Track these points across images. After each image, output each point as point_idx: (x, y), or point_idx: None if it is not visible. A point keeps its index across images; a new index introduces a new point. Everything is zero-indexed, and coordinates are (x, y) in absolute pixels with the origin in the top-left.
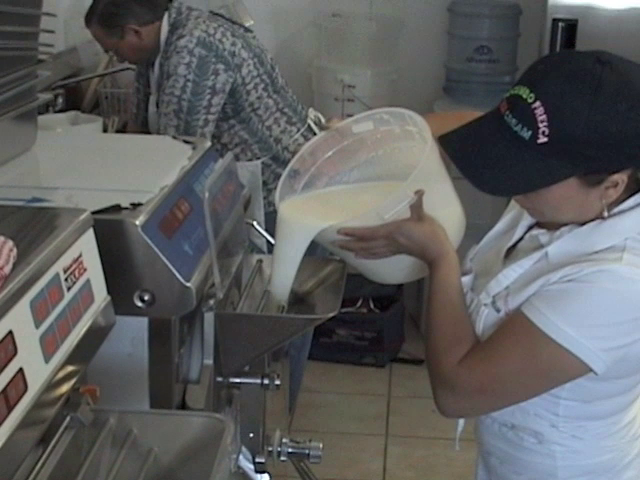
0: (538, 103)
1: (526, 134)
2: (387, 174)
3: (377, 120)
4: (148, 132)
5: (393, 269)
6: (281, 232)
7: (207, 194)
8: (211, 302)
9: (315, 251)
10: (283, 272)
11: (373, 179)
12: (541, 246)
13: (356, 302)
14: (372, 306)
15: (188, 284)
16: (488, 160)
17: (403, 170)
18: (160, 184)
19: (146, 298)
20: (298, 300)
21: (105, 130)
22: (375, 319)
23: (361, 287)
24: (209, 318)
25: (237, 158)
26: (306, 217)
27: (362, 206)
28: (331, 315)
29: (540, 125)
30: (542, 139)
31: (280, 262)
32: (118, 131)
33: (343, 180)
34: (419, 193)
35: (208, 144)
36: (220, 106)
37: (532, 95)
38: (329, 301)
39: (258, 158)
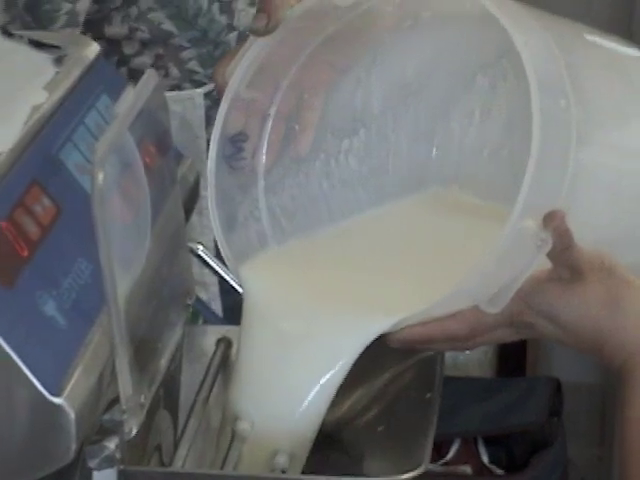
0: None
1: None
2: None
3: None
4: None
5: None
6: (283, 344)
7: (100, 176)
8: (111, 445)
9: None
10: (291, 410)
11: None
12: None
13: (446, 447)
14: (485, 459)
15: (57, 399)
16: None
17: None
18: None
19: None
20: (324, 437)
21: None
22: None
23: (462, 407)
24: None
25: None
26: (326, 309)
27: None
28: (408, 477)
29: None
30: None
31: (288, 391)
32: None
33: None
34: (555, 220)
35: (93, 48)
36: None
37: None
38: (400, 441)
39: (200, 84)
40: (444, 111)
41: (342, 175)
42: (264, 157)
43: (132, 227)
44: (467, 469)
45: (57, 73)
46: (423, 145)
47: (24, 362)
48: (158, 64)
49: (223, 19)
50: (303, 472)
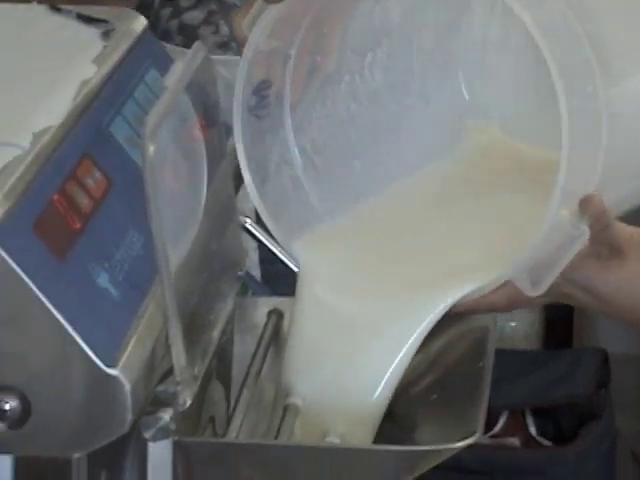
0: None
1: None
2: None
3: None
4: None
5: None
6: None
7: (151, 149)
8: (165, 416)
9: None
10: (344, 391)
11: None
12: None
13: (494, 419)
14: (533, 431)
15: (112, 370)
16: None
17: None
18: (33, 126)
19: (7, 408)
20: None
21: None
22: (541, 463)
23: (509, 380)
24: (159, 453)
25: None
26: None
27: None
28: (462, 445)
29: None
30: None
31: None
32: None
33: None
34: (591, 206)
35: (140, 22)
36: None
37: None
38: (453, 410)
39: None
40: (465, 6)
41: (369, 90)
42: (289, 94)
43: (184, 198)
44: (515, 441)
45: (105, 47)
46: (445, 45)
47: (79, 334)
48: (209, 20)
49: None
50: None
